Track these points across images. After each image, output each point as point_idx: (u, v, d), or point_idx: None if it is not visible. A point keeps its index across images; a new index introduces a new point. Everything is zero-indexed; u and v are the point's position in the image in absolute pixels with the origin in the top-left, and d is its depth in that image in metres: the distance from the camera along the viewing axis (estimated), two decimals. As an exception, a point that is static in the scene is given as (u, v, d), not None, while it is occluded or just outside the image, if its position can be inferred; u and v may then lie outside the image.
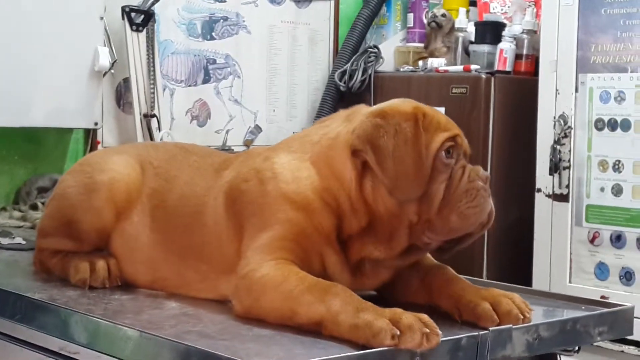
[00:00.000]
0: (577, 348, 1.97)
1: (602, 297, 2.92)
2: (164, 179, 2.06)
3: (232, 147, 3.67)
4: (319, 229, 1.78)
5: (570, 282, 3.21)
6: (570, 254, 3.22)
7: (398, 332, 1.52)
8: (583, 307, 1.99)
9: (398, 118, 1.77)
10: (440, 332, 1.55)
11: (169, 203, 2.02)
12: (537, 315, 1.87)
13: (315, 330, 1.62)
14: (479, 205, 1.76)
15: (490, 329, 1.69)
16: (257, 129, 3.88)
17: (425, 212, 1.75)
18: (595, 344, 2.96)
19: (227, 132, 3.76)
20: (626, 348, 3.04)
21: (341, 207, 1.78)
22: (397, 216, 1.76)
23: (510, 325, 1.71)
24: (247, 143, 3.81)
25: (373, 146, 1.76)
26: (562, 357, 2.07)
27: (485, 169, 3.35)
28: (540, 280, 3.25)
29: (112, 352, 1.70)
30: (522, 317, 1.74)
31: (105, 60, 3.18)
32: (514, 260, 3.43)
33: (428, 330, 1.53)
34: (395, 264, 1.84)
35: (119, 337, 1.68)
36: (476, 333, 1.67)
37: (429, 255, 1.94)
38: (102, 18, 3.22)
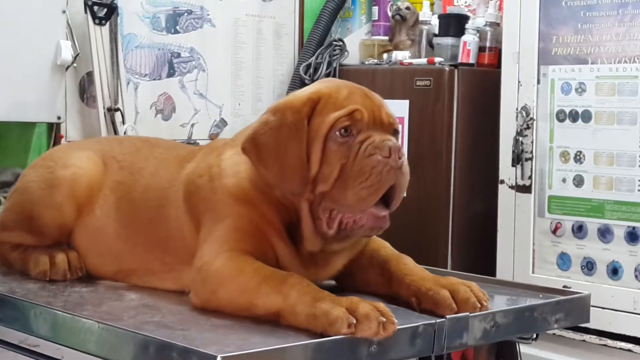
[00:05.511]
0: (534, 336, 2.00)
1: (565, 286, 2.94)
2: (129, 171, 2.06)
3: (198, 141, 3.66)
4: (265, 220, 1.79)
5: (533, 272, 3.23)
6: (533, 244, 3.24)
7: (354, 321, 1.53)
8: (541, 295, 2.01)
9: (288, 112, 1.75)
10: (396, 321, 1.57)
11: (134, 195, 2.02)
12: (496, 303, 1.90)
13: (273, 320, 1.64)
14: (374, 184, 1.70)
15: (448, 316, 1.71)
16: (223, 122, 3.87)
17: (320, 192, 1.74)
18: (557, 333, 3.00)
19: (192, 125, 3.75)
20: (587, 337, 3.07)
21: (279, 198, 1.79)
22: (296, 203, 1.76)
23: (468, 313, 1.73)
24: (213, 137, 3.80)
25: (255, 143, 1.76)
26: (521, 345, 2.09)
27: (449, 161, 3.45)
28: (503, 270, 3.27)
29: (72, 344, 1.71)
30: (479, 305, 1.76)
31: (67, 54, 3.16)
32: (478, 251, 3.45)
33: (384, 319, 1.55)
34: (336, 248, 1.83)
35: (78, 329, 1.69)
36: (433, 321, 1.69)
37: (388, 245, 1.96)
38: (64, 11, 3.20)
